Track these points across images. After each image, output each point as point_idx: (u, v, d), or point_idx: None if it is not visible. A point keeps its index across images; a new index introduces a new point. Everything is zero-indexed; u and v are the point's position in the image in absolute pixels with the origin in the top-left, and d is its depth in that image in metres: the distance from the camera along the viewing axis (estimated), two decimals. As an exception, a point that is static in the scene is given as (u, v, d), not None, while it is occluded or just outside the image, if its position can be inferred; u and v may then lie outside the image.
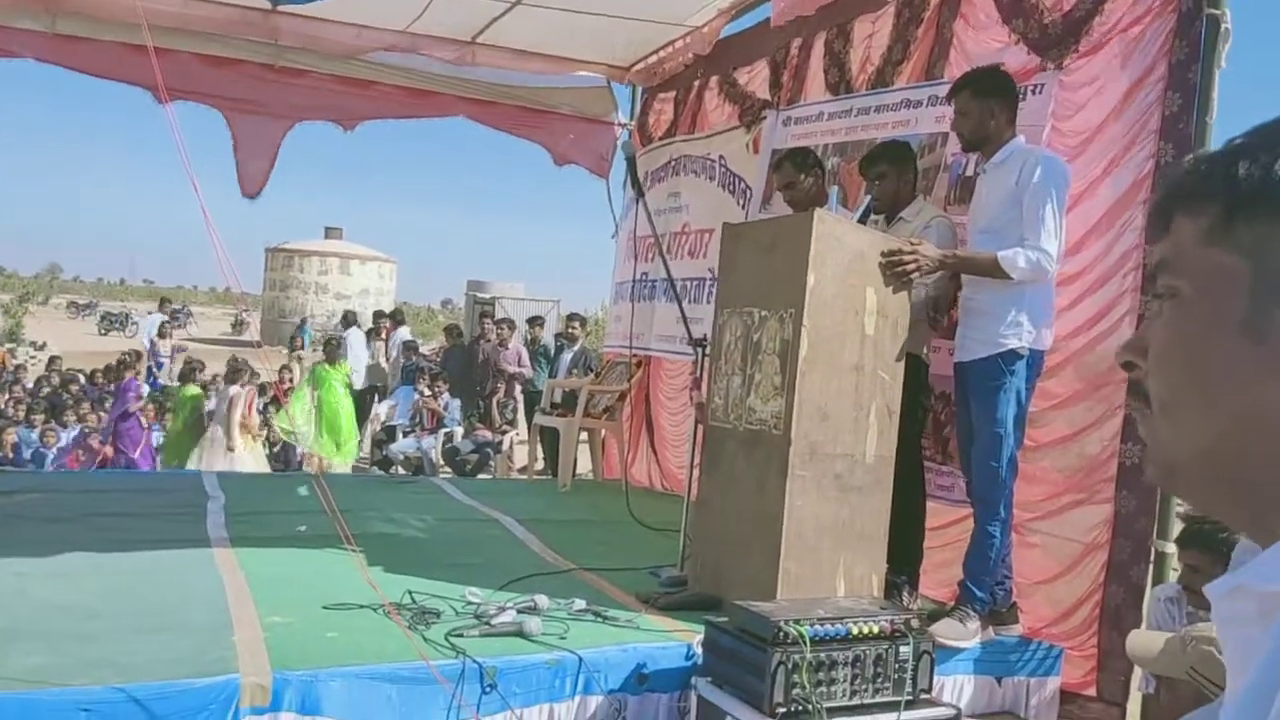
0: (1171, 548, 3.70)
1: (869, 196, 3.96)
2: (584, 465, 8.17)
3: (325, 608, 3.43)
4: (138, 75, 6.00)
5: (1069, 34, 4.05)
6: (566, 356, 9.74)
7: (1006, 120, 3.73)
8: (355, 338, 12.31)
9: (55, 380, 12.34)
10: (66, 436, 9.75)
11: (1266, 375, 0.62)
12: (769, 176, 5.57)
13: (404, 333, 12.89)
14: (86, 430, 9.66)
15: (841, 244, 3.55)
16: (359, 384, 11.22)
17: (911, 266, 3.58)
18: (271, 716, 2.71)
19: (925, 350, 4.07)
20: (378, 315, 13.31)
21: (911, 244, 3.62)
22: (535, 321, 11.47)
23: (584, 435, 7.51)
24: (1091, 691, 3.85)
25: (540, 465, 8.30)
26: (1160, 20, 3.77)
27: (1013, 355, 3.60)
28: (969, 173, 4.08)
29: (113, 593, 3.48)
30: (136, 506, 5.03)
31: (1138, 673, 3.59)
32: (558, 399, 7.94)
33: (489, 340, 11.14)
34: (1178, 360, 0.67)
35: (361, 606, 3.43)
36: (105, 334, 34.28)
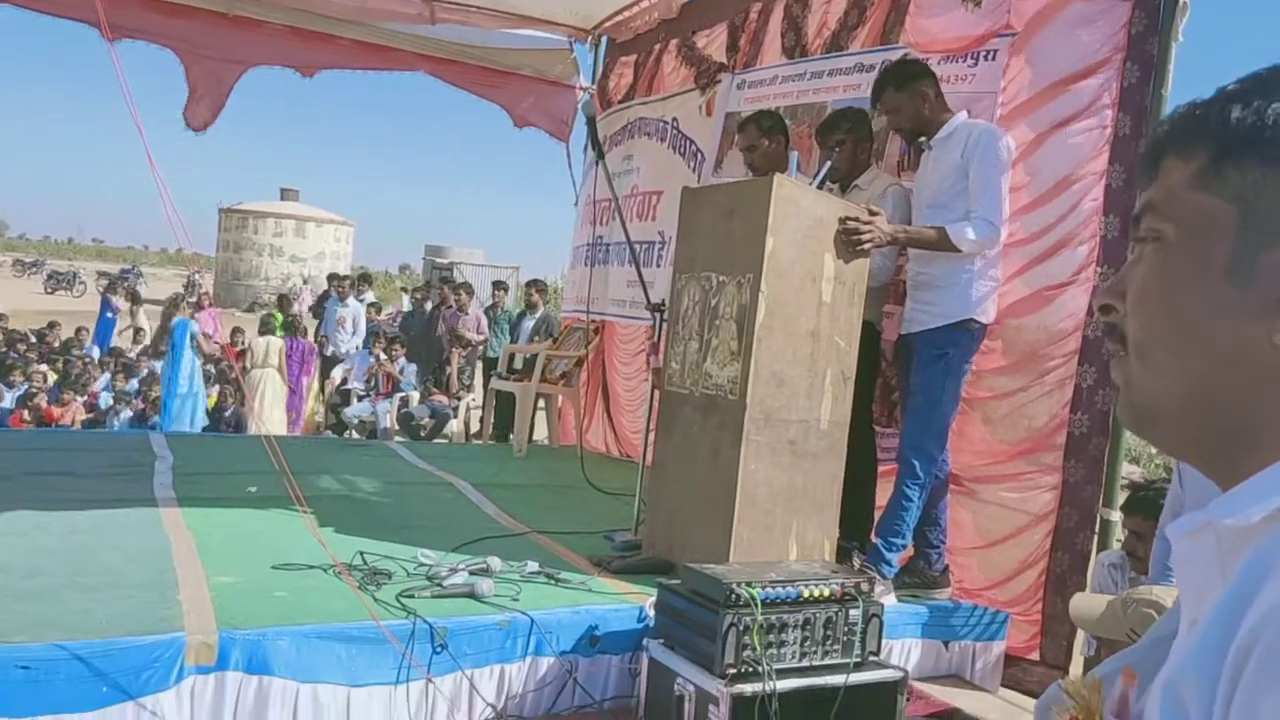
0: (1116, 515, 3.78)
1: (828, 163, 3.96)
2: (540, 431, 8.15)
3: (274, 568, 3.39)
4: (82, 11, 5.79)
5: None
6: (528, 324, 9.67)
7: (938, 99, 3.81)
8: (356, 309, 11.57)
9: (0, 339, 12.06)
10: (11, 396, 9.55)
11: (1248, 318, 0.62)
12: (724, 138, 5.56)
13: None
14: (33, 390, 9.46)
15: (800, 210, 3.54)
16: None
17: (867, 237, 3.59)
18: (218, 675, 2.68)
19: (879, 318, 4.10)
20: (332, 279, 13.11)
21: (871, 212, 3.63)
22: (499, 286, 11.38)
23: (540, 401, 7.48)
24: (1035, 655, 3.93)
25: (490, 431, 8.28)
26: None
27: (957, 327, 3.71)
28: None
29: (55, 551, 3.41)
30: (82, 465, 4.93)
31: (1080, 637, 3.68)
32: (517, 365, 7.89)
33: (450, 307, 11.05)
34: (1158, 302, 0.67)
35: (311, 567, 3.39)
36: (52, 293, 33.53)
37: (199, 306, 11.27)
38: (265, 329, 10.03)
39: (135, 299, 15.22)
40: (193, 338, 9.18)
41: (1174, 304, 0.66)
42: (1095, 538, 3.82)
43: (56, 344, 12.00)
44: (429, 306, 11.78)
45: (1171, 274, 0.67)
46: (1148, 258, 0.69)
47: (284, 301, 12.25)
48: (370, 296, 12.35)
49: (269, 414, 9.39)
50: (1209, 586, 0.60)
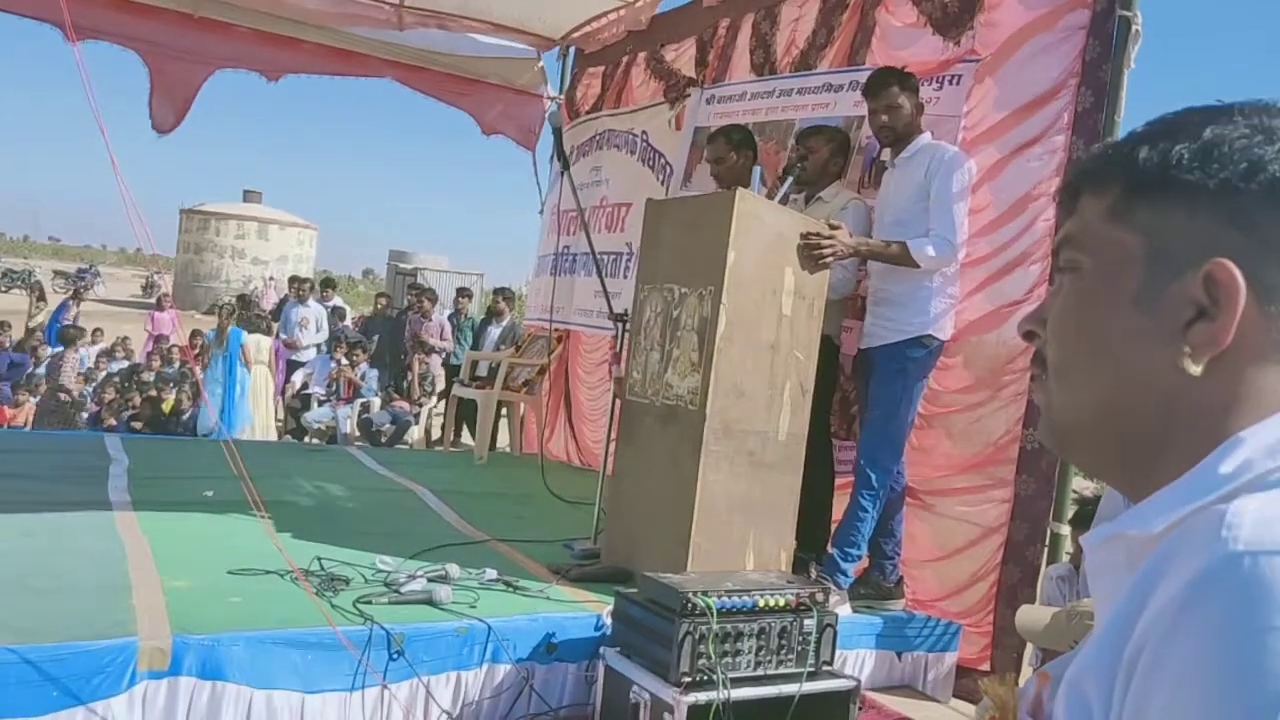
0: (1066, 529, 3.85)
1: (789, 178, 4.02)
2: (502, 439, 8.14)
3: (230, 573, 3.37)
4: (46, 11, 5.71)
5: (965, 12, 4.20)
6: (494, 332, 9.65)
7: (920, 115, 3.91)
8: (319, 310, 11.44)
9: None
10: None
11: (1155, 344, 0.66)
12: (692, 152, 5.61)
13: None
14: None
15: (762, 223, 3.59)
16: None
17: (828, 250, 3.65)
18: (170, 680, 2.66)
19: (837, 332, 4.16)
20: (293, 281, 13.01)
21: (831, 226, 3.69)
22: (463, 293, 11.35)
23: (503, 409, 7.48)
24: (986, 666, 3.99)
25: (452, 438, 8.25)
26: (1073, 13, 3.89)
27: (916, 343, 3.78)
28: (883, 157, 4.18)
29: (7, 554, 3.36)
30: (32, 467, 4.86)
31: (1030, 649, 3.74)
32: (482, 372, 7.88)
33: (415, 312, 11.01)
34: (1074, 327, 0.72)
35: (268, 572, 3.37)
36: (6, 291, 32.89)
37: (159, 307, 11.14)
38: (254, 328, 9.82)
39: (41, 294, 14.86)
40: (242, 348, 9.07)
41: (1089, 330, 0.71)
42: (1046, 551, 3.89)
43: (8, 344, 11.77)
44: (394, 312, 11.72)
45: (1087, 302, 0.71)
46: (1066, 286, 0.73)
47: (244, 302, 12.08)
48: (336, 300, 12.19)
49: (264, 413, 9.28)
50: (1118, 594, 0.64)
